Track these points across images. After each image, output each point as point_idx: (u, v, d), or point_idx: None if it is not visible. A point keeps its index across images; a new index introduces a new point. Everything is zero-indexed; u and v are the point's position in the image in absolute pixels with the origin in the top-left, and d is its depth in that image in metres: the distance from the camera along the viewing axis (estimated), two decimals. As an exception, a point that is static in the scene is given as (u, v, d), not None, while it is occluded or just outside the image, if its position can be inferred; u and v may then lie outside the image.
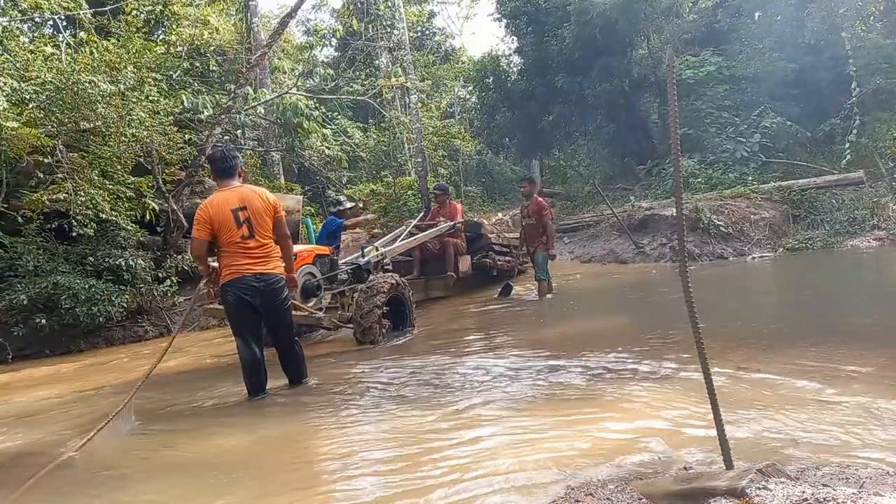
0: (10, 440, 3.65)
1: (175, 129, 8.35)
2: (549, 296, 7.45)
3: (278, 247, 4.02)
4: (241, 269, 3.85)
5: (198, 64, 12.95)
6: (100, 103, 7.01)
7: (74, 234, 6.86)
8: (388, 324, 5.74)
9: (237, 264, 3.85)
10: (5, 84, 6.56)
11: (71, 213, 6.80)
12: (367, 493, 2.34)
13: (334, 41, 23.69)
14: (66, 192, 6.80)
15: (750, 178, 13.00)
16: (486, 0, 55.83)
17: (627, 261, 11.22)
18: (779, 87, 14.59)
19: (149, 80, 8.15)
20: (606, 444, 2.59)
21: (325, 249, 6.27)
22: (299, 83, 16.74)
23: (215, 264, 4.04)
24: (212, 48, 12.98)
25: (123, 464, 3.04)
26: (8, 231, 6.99)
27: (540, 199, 7.53)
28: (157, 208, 8.00)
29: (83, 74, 6.94)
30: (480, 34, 59.72)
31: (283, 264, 4.05)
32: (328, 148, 15.72)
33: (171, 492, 2.61)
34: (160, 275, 7.98)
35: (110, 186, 7.26)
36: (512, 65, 19.90)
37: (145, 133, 7.38)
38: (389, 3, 19.84)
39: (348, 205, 8.97)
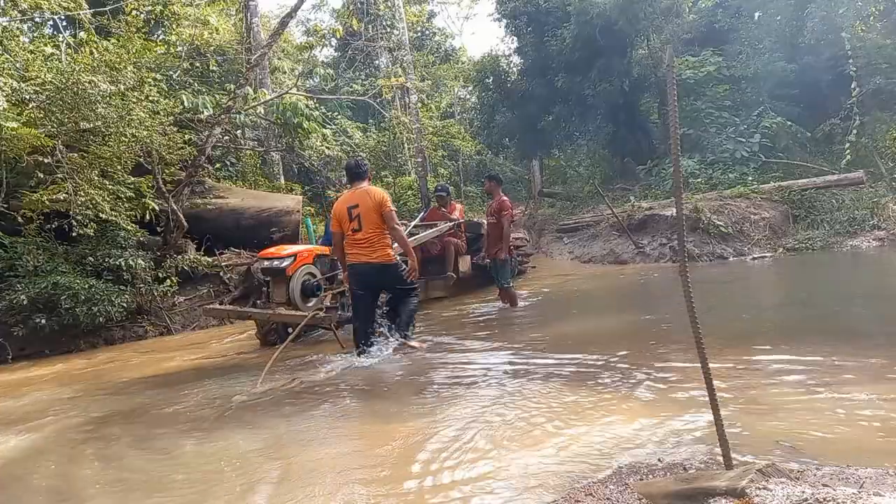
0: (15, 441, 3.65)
1: (175, 129, 8.34)
2: (522, 304, 7.16)
3: (384, 236, 4.77)
4: (352, 257, 4.80)
5: (198, 64, 12.94)
6: (100, 103, 7.00)
7: (74, 234, 6.85)
8: (387, 324, 5.73)
9: (350, 253, 4.81)
10: (5, 84, 6.55)
11: (71, 213, 6.80)
12: (362, 493, 2.34)
13: (334, 41, 23.70)
14: (66, 192, 6.79)
15: (750, 178, 13.00)
16: (486, 0, 55.85)
17: (627, 261, 11.23)
18: (779, 87, 14.61)
19: (149, 80, 8.13)
20: (606, 444, 2.59)
21: (325, 249, 6.27)
22: (299, 83, 16.73)
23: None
24: (212, 48, 12.96)
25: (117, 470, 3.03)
26: (8, 231, 6.99)
27: (504, 198, 7.14)
28: (157, 208, 7.99)
29: (83, 74, 6.93)
30: (480, 34, 59.80)
31: (390, 251, 4.81)
32: (328, 148, 15.71)
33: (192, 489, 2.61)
34: (160, 275, 7.98)
35: (110, 186, 7.26)
36: (512, 65, 19.91)
37: (145, 133, 7.37)
38: (389, 3, 19.86)
39: None
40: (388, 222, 4.73)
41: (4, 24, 8.29)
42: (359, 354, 4.87)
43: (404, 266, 4.99)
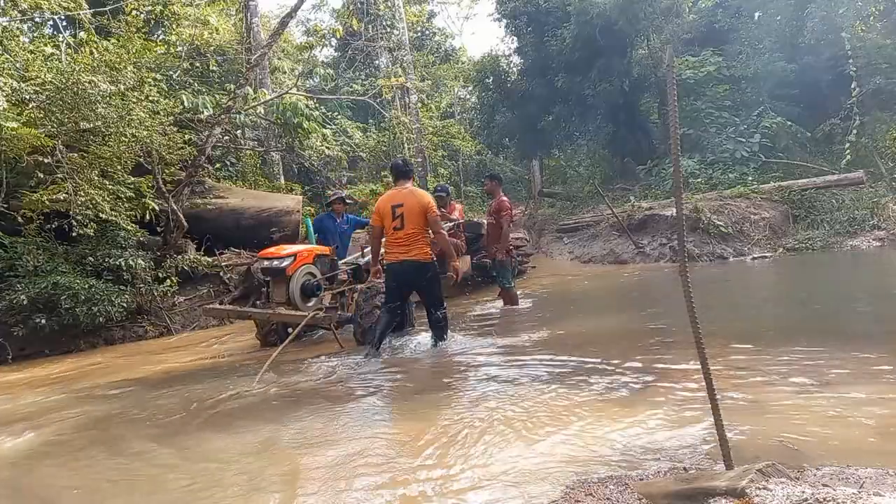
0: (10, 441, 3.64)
1: (175, 129, 8.34)
2: (522, 305, 7.14)
3: (424, 236, 4.92)
4: (390, 255, 4.97)
5: (198, 64, 12.94)
6: (100, 103, 7.01)
7: (74, 234, 6.85)
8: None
9: (389, 251, 4.97)
10: (5, 84, 6.55)
11: (71, 213, 6.80)
12: (364, 491, 2.35)
13: (334, 41, 23.70)
14: (66, 192, 6.79)
15: (750, 178, 13.01)
16: (486, 0, 55.87)
17: (627, 261, 11.23)
18: (779, 87, 14.61)
19: (149, 80, 8.14)
20: (606, 444, 2.59)
21: (325, 249, 6.28)
22: (299, 83, 16.74)
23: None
24: (212, 48, 12.96)
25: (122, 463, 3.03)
26: (8, 231, 6.99)
27: (503, 198, 7.12)
28: (157, 208, 7.99)
29: (83, 74, 6.93)
30: (480, 34, 59.81)
31: (427, 250, 4.95)
32: (328, 148, 15.71)
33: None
34: (160, 275, 7.98)
35: (110, 186, 7.26)
36: (512, 65, 19.91)
37: (145, 133, 7.37)
38: (389, 3, 19.85)
39: (342, 193, 7.88)
40: (433, 226, 4.92)
41: (4, 24, 8.29)
42: (373, 348, 4.88)
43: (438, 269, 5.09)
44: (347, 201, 7.61)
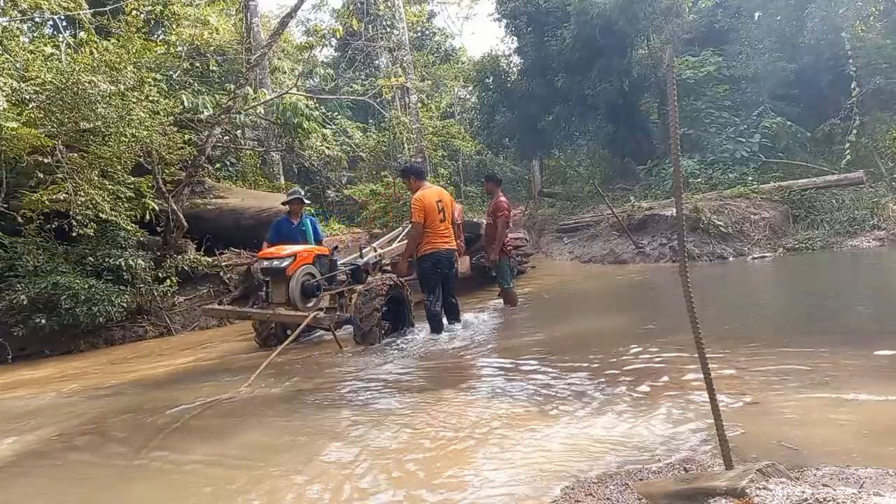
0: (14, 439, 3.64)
1: (175, 129, 8.34)
2: (521, 302, 7.19)
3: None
4: (436, 245, 5.57)
5: (198, 64, 12.94)
6: (100, 103, 7.00)
7: (74, 234, 6.84)
8: (386, 325, 5.74)
9: (434, 242, 5.56)
10: (5, 84, 6.55)
11: (71, 213, 6.79)
12: (361, 490, 2.35)
13: (334, 41, 23.71)
14: (66, 192, 6.79)
15: (750, 178, 13.01)
16: (486, 0, 55.87)
17: (627, 261, 11.22)
18: (779, 87, 14.61)
19: (149, 80, 8.13)
20: (605, 444, 2.59)
21: (324, 250, 6.27)
22: (299, 83, 16.73)
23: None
24: (212, 48, 12.97)
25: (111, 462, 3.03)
26: (8, 231, 6.99)
27: (501, 198, 7.00)
28: (157, 208, 7.98)
29: (83, 74, 6.93)
30: (480, 34, 59.85)
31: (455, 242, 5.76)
32: (328, 148, 15.72)
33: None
34: (160, 275, 7.97)
35: (110, 186, 7.25)
36: (512, 65, 19.93)
37: (145, 133, 7.36)
38: (389, 3, 19.86)
39: (301, 192, 7.17)
40: (457, 216, 5.72)
41: (4, 24, 8.29)
42: (437, 332, 5.60)
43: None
44: (306, 201, 7.19)
